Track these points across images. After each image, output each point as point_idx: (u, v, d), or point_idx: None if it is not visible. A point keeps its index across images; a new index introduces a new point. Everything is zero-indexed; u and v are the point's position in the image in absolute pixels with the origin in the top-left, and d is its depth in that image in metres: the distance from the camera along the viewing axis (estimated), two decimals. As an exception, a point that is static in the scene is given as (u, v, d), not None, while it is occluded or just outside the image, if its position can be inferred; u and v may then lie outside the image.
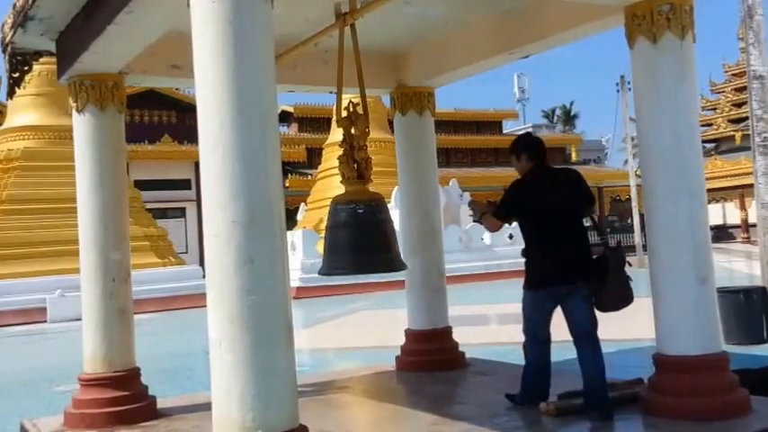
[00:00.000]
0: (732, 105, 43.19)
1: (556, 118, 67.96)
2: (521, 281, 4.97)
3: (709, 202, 15.52)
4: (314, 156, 33.23)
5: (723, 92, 44.10)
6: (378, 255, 4.84)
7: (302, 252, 21.87)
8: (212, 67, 3.19)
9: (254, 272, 3.10)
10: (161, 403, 5.60)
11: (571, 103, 69.53)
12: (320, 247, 14.96)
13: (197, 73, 3.25)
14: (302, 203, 28.30)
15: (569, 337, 4.80)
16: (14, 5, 5.19)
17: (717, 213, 39.75)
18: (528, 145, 4.97)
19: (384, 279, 18.45)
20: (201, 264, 15.25)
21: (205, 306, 3.25)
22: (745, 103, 19.51)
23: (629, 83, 21.95)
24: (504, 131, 46.79)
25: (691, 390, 4.27)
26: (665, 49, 4.50)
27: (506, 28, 5.78)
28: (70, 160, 5.89)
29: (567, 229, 4.76)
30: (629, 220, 34.48)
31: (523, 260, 4.99)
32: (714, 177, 38.62)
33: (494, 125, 44.28)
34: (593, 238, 5.08)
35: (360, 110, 4.92)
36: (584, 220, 4.95)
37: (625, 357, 8.29)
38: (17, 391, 9.17)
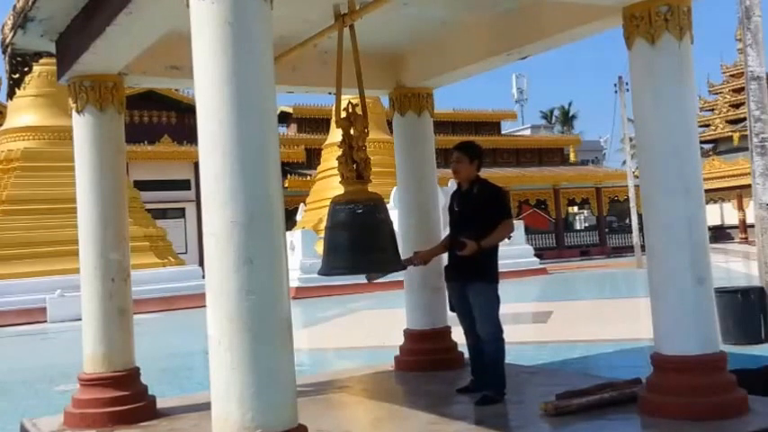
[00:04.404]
0: (730, 106, 43.26)
1: (554, 118, 67.98)
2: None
3: (707, 202, 15.54)
4: (313, 156, 33.24)
5: (721, 93, 44.16)
6: (377, 255, 4.85)
7: (301, 252, 21.89)
8: (211, 68, 3.20)
9: (254, 271, 3.12)
10: (161, 403, 5.61)
11: (569, 104, 69.63)
12: (319, 248, 14.97)
13: (196, 73, 3.26)
14: (301, 204, 28.32)
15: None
16: (14, 7, 5.20)
17: (715, 214, 39.76)
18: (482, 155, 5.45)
19: (383, 279, 18.45)
20: (201, 264, 15.33)
21: (204, 306, 3.26)
22: (743, 103, 19.53)
23: (627, 83, 22.00)
24: (503, 132, 46.81)
25: (689, 390, 4.28)
26: (663, 49, 4.50)
27: (505, 29, 5.79)
28: (70, 161, 5.90)
29: None
30: (628, 221, 34.55)
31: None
32: (712, 178, 38.71)
33: (492, 126, 44.28)
34: None
35: (359, 110, 4.94)
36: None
37: (623, 357, 8.32)
38: (17, 391, 9.18)
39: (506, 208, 5.37)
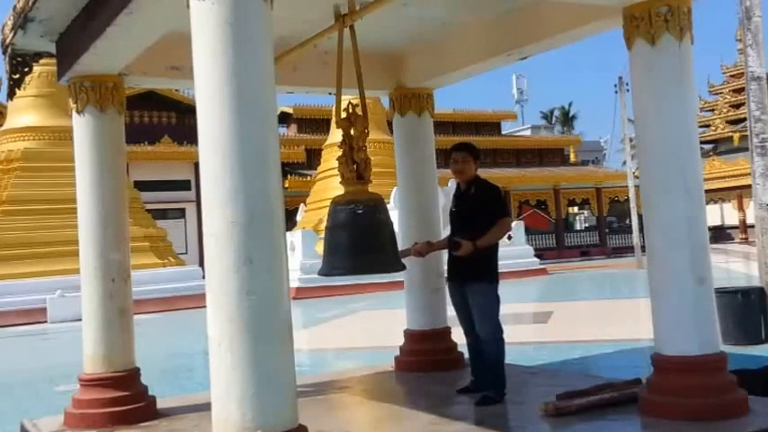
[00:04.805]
0: (730, 106, 43.28)
1: (554, 119, 67.99)
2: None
3: (708, 202, 15.57)
4: (313, 157, 33.25)
5: (721, 93, 44.16)
6: (377, 255, 4.85)
7: (302, 252, 21.89)
8: (212, 68, 3.20)
9: (254, 272, 3.12)
10: (161, 403, 5.61)
11: (569, 104, 69.67)
12: (319, 248, 14.98)
13: (196, 74, 3.26)
14: (301, 204, 28.33)
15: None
16: (15, 7, 5.20)
17: (715, 214, 39.77)
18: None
19: (383, 279, 18.49)
20: (201, 264, 15.35)
21: (205, 306, 3.26)
22: (743, 104, 19.56)
23: (627, 84, 21.99)
24: (503, 132, 46.81)
25: (689, 390, 4.28)
26: (663, 50, 4.50)
27: (505, 29, 5.79)
28: (70, 161, 5.90)
29: None
30: (628, 221, 34.51)
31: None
32: (712, 178, 38.71)
33: (492, 126, 44.28)
34: None
35: (359, 111, 4.93)
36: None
37: (623, 357, 8.32)
38: (17, 391, 9.18)
39: (503, 207, 5.37)
